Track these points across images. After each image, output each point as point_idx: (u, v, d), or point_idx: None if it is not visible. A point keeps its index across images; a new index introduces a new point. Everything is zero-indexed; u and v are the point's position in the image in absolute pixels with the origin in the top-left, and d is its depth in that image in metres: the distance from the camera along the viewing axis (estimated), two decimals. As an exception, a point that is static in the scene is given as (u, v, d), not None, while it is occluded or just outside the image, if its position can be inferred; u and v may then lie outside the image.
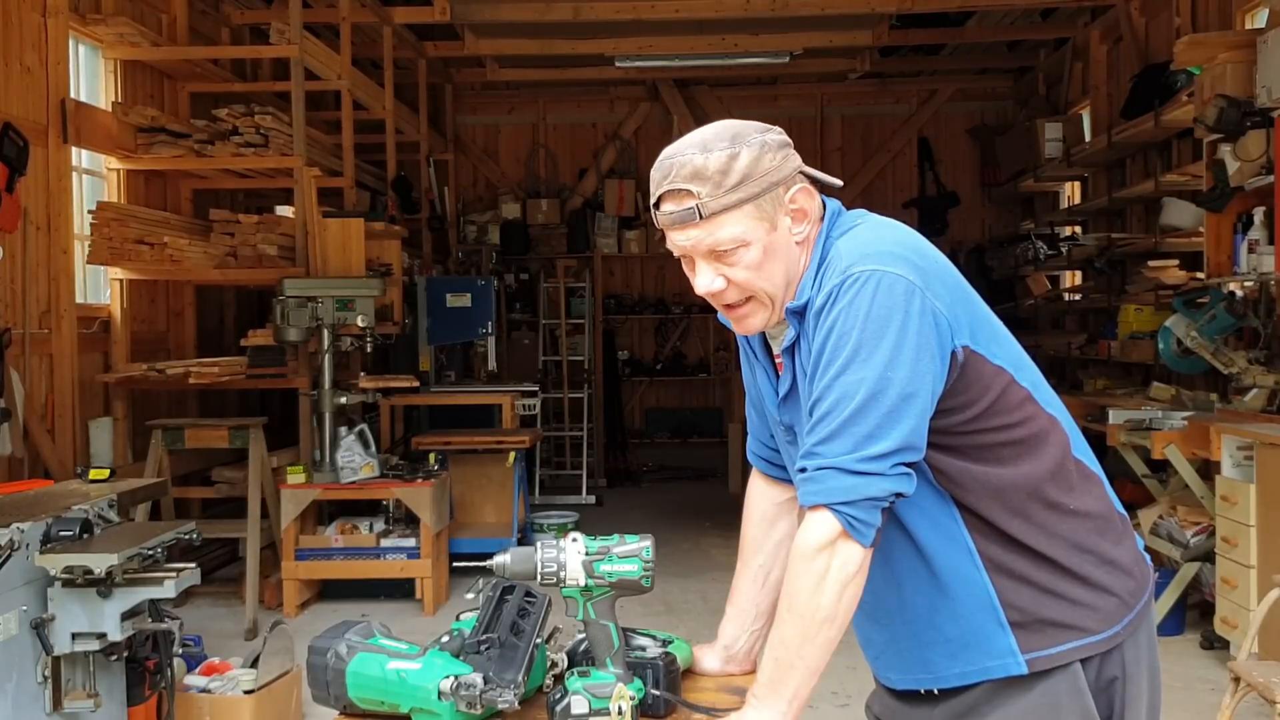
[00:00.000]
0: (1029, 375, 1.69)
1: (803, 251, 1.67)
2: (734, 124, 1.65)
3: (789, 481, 1.88)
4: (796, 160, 1.66)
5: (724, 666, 1.98)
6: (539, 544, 1.76)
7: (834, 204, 1.74)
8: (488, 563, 1.77)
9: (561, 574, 1.75)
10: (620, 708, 1.70)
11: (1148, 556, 1.78)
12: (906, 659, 1.76)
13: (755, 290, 1.65)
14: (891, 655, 1.79)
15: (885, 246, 1.61)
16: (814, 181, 1.69)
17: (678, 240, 1.65)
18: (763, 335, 1.79)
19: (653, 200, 1.66)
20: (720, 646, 1.98)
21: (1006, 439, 1.65)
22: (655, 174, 1.65)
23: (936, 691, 1.73)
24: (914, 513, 1.65)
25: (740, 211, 1.60)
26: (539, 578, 1.76)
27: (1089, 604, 1.66)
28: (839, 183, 1.72)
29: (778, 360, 1.77)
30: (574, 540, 1.77)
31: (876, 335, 1.54)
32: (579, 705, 1.71)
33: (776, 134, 1.66)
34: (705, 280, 1.67)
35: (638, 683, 1.78)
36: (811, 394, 1.60)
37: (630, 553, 1.77)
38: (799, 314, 1.65)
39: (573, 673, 1.81)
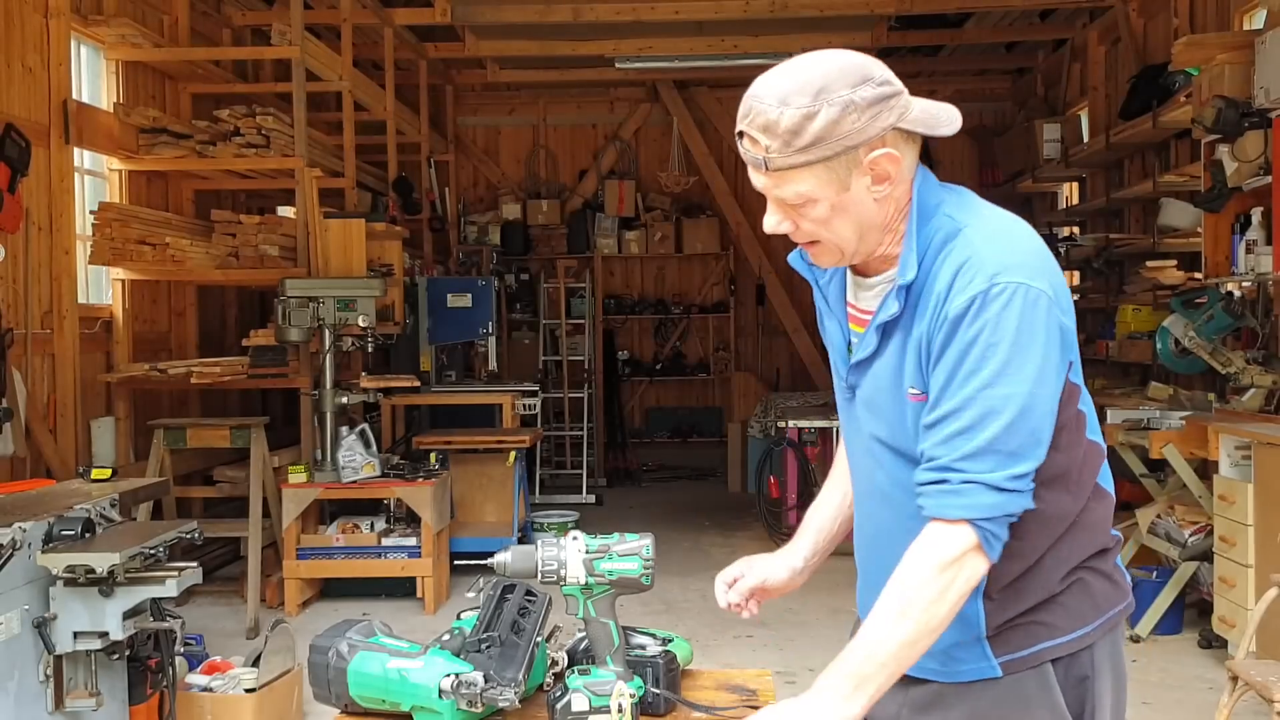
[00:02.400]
0: (1087, 398, 1.67)
1: (883, 208, 1.60)
2: (830, 69, 1.53)
3: None
4: (891, 117, 1.54)
5: (790, 579, 1.93)
6: (539, 542, 1.78)
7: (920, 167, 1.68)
8: (489, 561, 1.78)
9: (562, 572, 1.76)
10: (620, 705, 1.71)
11: (1127, 575, 1.78)
12: None
13: (821, 239, 1.62)
14: None
15: (1028, 257, 1.57)
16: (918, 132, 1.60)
17: (751, 179, 1.62)
18: (842, 288, 1.74)
19: (736, 132, 1.61)
20: (796, 563, 1.93)
21: (1053, 471, 1.61)
22: (741, 106, 1.58)
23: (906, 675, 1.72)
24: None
25: (808, 170, 1.53)
26: (539, 576, 1.77)
27: (1065, 605, 1.66)
28: (952, 130, 1.61)
29: (851, 311, 1.73)
30: (574, 538, 1.78)
31: (1024, 351, 1.51)
32: (579, 703, 1.73)
33: (871, 89, 1.52)
34: (771, 222, 1.64)
35: (638, 680, 1.79)
36: (939, 394, 1.55)
37: (630, 551, 1.78)
38: (906, 290, 1.60)
39: (573, 671, 1.83)
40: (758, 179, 1.60)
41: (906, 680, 1.71)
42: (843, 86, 1.51)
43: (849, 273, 1.73)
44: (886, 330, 1.64)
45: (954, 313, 1.54)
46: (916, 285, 1.60)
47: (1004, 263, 1.54)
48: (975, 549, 1.52)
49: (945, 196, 1.65)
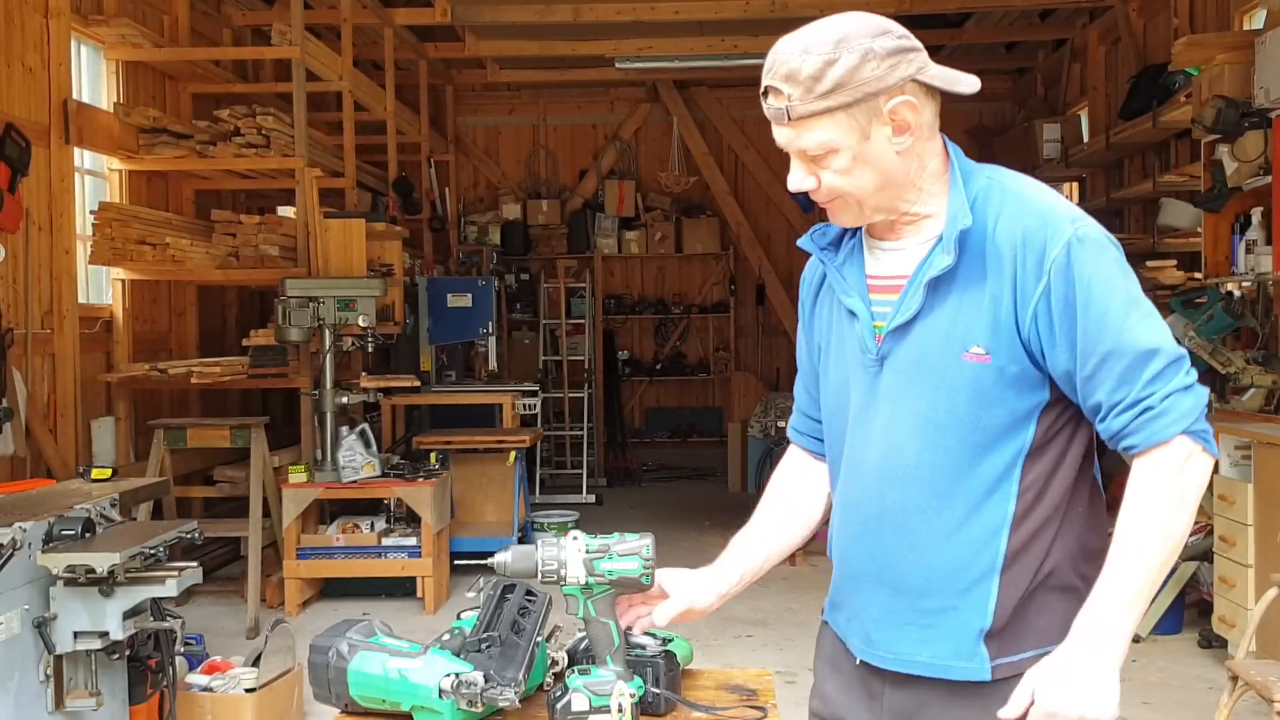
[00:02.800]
0: None
1: (905, 162, 1.62)
2: (849, 24, 1.58)
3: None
4: (909, 69, 1.58)
5: (713, 606, 1.86)
6: (539, 542, 1.77)
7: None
8: (489, 561, 1.78)
9: (562, 571, 1.76)
10: (620, 705, 1.71)
11: None
12: (879, 633, 1.73)
13: (843, 194, 1.64)
14: (868, 623, 1.75)
15: (1078, 209, 1.66)
16: (933, 89, 1.62)
17: (775, 136, 1.65)
18: (859, 264, 1.74)
19: (761, 90, 1.64)
20: (724, 589, 1.86)
21: (1089, 438, 1.68)
22: (765, 64, 1.62)
23: (886, 672, 1.72)
24: (974, 491, 1.64)
25: (829, 118, 1.57)
26: (539, 575, 1.77)
27: (1058, 612, 1.65)
28: (971, 89, 1.63)
29: (873, 282, 1.72)
30: (574, 538, 1.78)
31: (1128, 276, 1.61)
32: (579, 702, 1.73)
33: (890, 39, 1.58)
34: (795, 179, 1.66)
35: (638, 680, 1.79)
36: (1084, 346, 1.58)
37: (630, 550, 1.78)
38: (960, 240, 1.62)
39: (573, 670, 1.83)
40: (781, 133, 1.62)
41: (888, 680, 1.71)
42: (863, 36, 1.57)
43: (865, 244, 1.74)
44: (935, 287, 1.64)
45: (1057, 264, 1.58)
46: (973, 236, 1.62)
47: (1069, 212, 1.62)
48: (1200, 451, 1.57)
49: (979, 165, 1.72)
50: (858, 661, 1.76)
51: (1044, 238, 1.58)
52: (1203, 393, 1.59)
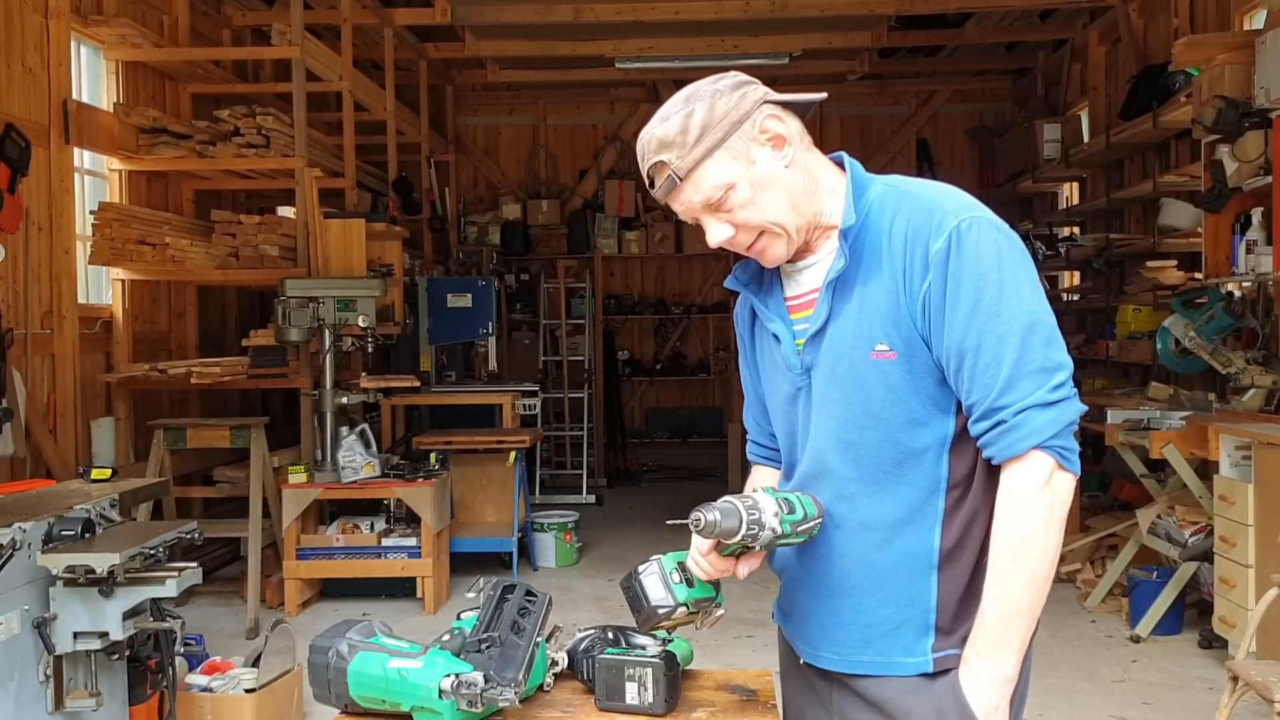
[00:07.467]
0: None
1: (799, 175, 1.69)
2: (689, 86, 1.71)
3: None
4: (758, 94, 1.68)
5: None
6: (738, 501, 1.66)
7: (840, 155, 1.79)
8: (691, 519, 1.65)
9: (761, 534, 1.64)
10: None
11: None
12: (823, 635, 1.76)
13: (761, 224, 1.68)
14: (812, 626, 1.79)
15: (974, 202, 1.66)
16: (790, 104, 1.71)
17: (677, 209, 1.73)
18: (778, 292, 1.79)
19: (647, 183, 1.74)
20: None
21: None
22: (637, 158, 1.73)
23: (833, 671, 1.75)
24: (902, 488, 1.66)
25: (713, 160, 1.65)
26: (741, 535, 1.63)
27: None
28: (820, 96, 1.73)
29: (792, 303, 1.77)
30: (767, 494, 1.68)
31: (1013, 273, 1.59)
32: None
33: (731, 78, 1.69)
34: (716, 234, 1.72)
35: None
36: (954, 340, 1.59)
37: (810, 505, 1.71)
38: (847, 239, 1.67)
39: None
40: (680, 200, 1.70)
41: (834, 680, 1.74)
42: (704, 85, 1.69)
43: (781, 270, 1.79)
44: (838, 289, 1.68)
45: (938, 256, 1.59)
46: (863, 235, 1.66)
47: (958, 204, 1.64)
48: (1056, 469, 1.57)
49: (881, 176, 1.76)
50: (802, 663, 1.81)
51: (929, 230, 1.61)
52: (1068, 409, 1.57)
